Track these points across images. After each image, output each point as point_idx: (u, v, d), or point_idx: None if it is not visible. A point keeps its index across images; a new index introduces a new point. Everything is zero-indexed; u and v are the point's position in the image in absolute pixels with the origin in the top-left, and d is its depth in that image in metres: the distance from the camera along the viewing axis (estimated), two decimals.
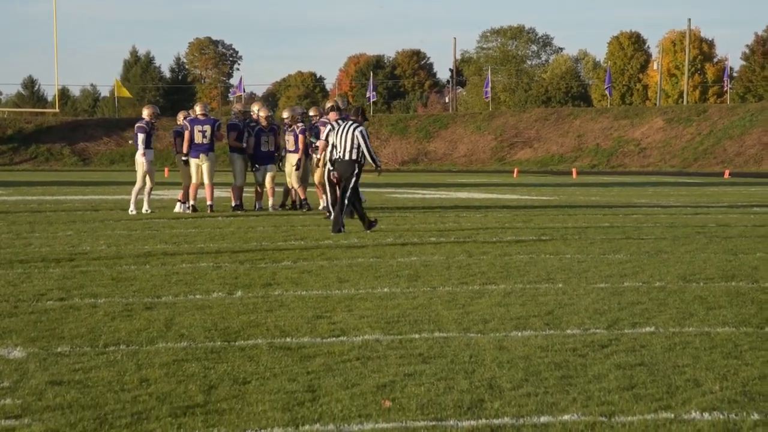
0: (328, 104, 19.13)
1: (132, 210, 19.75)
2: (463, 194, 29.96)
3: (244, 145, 20.68)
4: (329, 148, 16.51)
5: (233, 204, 20.84)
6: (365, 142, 15.87)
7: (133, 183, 20.40)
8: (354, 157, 15.88)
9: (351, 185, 15.80)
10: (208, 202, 20.25)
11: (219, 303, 8.84)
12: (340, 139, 15.96)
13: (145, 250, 13.09)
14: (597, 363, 6.50)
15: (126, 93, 75.32)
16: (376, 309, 8.51)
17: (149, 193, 20.12)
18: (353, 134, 15.86)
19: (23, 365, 6.42)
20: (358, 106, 17.60)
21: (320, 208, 20.56)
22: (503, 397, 5.67)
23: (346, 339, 7.26)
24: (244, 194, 21.24)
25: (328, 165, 16.59)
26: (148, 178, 19.84)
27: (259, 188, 21.12)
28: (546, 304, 8.79)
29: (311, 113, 21.31)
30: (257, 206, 21.11)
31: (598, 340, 7.20)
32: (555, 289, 9.63)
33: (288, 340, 7.22)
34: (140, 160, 19.88)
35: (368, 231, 15.60)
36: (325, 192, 18.76)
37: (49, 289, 9.55)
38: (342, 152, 15.96)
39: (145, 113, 20.28)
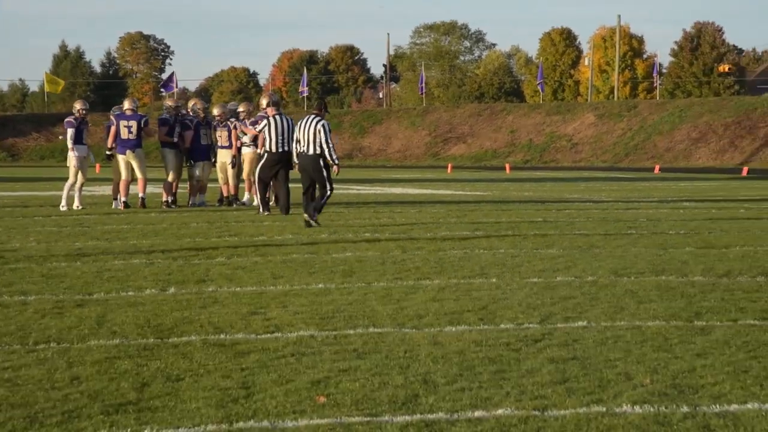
0: (264, 100, 19.21)
1: (63, 206, 19.50)
2: (397, 190, 30.02)
3: (175, 139, 20.51)
4: (294, 143, 16.56)
5: (164, 200, 20.64)
6: (326, 137, 15.96)
7: (65, 179, 20.16)
8: (317, 151, 15.98)
9: (326, 174, 16.01)
10: (140, 195, 20.07)
11: (152, 300, 8.76)
12: (303, 133, 16.08)
13: (77, 246, 12.93)
14: (530, 357, 6.55)
15: (59, 84, 74.20)
16: (311, 305, 8.50)
17: (80, 189, 19.88)
18: (315, 128, 15.96)
19: None
20: (321, 99, 17.77)
21: (250, 202, 20.55)
22: (438, 392, 5.69)
23: (280, 335, 7.24)
24: (178, 190, 21.08)
25: (294, 158, 16.58)
26: (79, 174, 19.60)
27: (195, 183, 20.97)
28: (480, 299, 8.84)
29: (240, 109, 21.18)
30: (191, 202, 20.97)
31: (531, 335, 7.26)
32: (489, 284, 9.69)
33: (222, 336, 7.19)
34: (70, 156, 19.66)
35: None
36: (255, 187, 18.82)
37: None
38: (306, 146, 16.06)
39: (75, 108, 20.03)
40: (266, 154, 18.26)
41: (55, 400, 5.52)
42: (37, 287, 9.44)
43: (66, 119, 20.09)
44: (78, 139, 19.64)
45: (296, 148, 16.32)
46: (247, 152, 20.58)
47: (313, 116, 16.20)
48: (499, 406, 5.42)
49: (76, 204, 19.64)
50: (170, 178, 20.62)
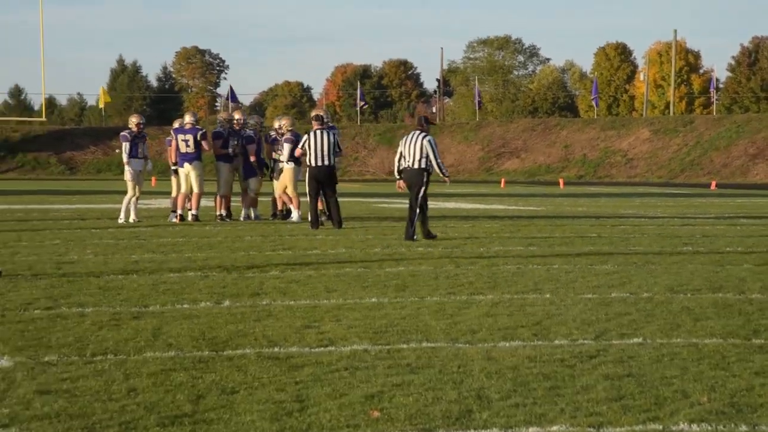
0: (314, 113, 19.61)
1: (121, 219, 19.75)
2: (450, 204, 29.99)
3: (230, 151, 20.59)
4: (396, 157, 16.72)
5: (218, 213, 20.77)
6: (433, 152, 16.18)
7: (121, 192, 20.42)
8: (422, 165, 16.20)
9: (421, 194, 16.17)
10: (193, 212, 20.23)
11: (207, 312, 8.83)
12: (409, 149, 16.28)
13: (133, 259, 13.06)
14: (585, 374, 6.51)
15: (106, 98, 75.27)
16: (364, 319, 8.51)
17: (135, 203, 20.10)
18: (422, 143, 16.16)
19: (10, 374, 6.40)
20: (424, 115, 18.13)
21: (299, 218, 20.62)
22: (491, 408, 5.67)
23: (334, 349, 7.26)
24: (231, 204, 21.20)
25: (395, 173, 16.84)
26: (136, 188, 19.84)
27: (249, 196, 21.07)
28: (534, 314, 8.80)
29: (276, 125, 21.17)
30: (244, 215, 21.07)
31: (586, 351, 7.21)
32: (543, 300, 9.65)
33: (276, 349, 7.22)
34: (126, 169, 19.93)
35: (421, 239, 15.97)
36: (295, 202, 19.04)
37: (36, 298, 9.52)
38: (411, 161, 16.25)
39: (131, 122, 20.28)
40: (307, 169, 18.59)
41: (113, 411, 5.57)
42: (95, 299, 9.55)
43: (121, 133, 20.36)
44: (133, 153, 19.87)
45: (401, 163, 16.53)
46: (285, 168, 20.51)
47: (418, 132, 16.35)
48: (554, 423, 5.39)
49: (132, 217, 19.85)
50: (223, 191, 20.76)
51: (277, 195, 21.02)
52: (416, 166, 16.16)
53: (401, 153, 16.39)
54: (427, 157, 16.11)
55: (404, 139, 16.51)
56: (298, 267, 12.24)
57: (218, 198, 20.95)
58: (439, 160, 16.23)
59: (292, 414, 5.54)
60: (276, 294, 9.96)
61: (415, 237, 15.92)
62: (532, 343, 7.51)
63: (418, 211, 16.12)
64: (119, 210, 20.12)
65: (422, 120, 16.72)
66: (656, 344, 7.49)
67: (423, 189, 16.15)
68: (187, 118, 20.54)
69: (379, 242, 15.60)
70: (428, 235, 16.16)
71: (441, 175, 16.52)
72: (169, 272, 11.63)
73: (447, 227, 19.19)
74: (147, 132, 23.38)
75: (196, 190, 20.18)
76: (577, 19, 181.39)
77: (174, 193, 20.61)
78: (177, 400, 5.80)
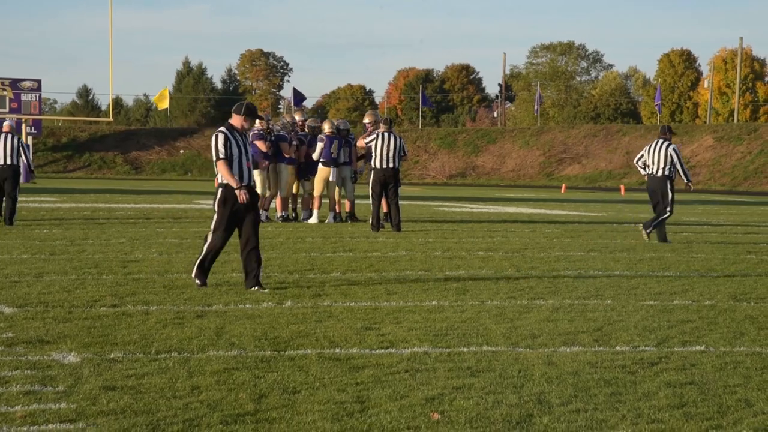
0: (367, 119, 20.54)
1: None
2: (511, 209, 29.90)
3: (292, 155, 20.60)
4: (639, 165, 17.61)
5: (280, 214, 20.85)
6: (679, 160, 17.09)
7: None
8: (666, 173, 17.05)
9: (669, 199, 16.98)
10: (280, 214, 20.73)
11: (269, 313, 8.91)
12: (652, 156, 17.18)
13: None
14: (647, 380, 6.48)
15: (164, 100, 75.93)
16: (425, 322, 8.54)
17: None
18: (666, 151, 17.06)
19: (77, 370, 6.52)
20: (665, 124, 18.72)
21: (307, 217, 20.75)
22: (552, 413, 5.67)
23: (394, 351, 7.30)
24: (290, 205, 21.32)
25: (644, 179, 17.84)
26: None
27: (307, 197, 21.14)
28: (595, 320, 8.77)
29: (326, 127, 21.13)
30: (303, 217, 21.13)
31: (647, 358, 7.17)
32: (604, 306, 9.60)
33: (337, 350, 7.27)
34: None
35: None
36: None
37: (102, 296, 9.68)
38: (654, 169, 17.13)
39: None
40: (372, 171, 18.72)
41: (176, 408, 5.65)
42: (159, 297, 9.68)
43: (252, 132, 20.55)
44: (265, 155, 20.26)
45: (644, 170, 17.37)
46: (320, 169, 20.55)
47: (661, 140, 17.26)
48: (615, 429, 5.38)
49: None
50: (284, 193, 20.86)
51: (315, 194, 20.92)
52: (659, 174, 17.03)
53: (644, 161, 17.31)
54: (672, 164, 16.99)
55: (647, 147, 17.43)
56: (359, 269, 12.30)
57: (279, 199, 21.09)
58: (684, 168, 17.17)
59: (352, 415, 5.59)
60: (337, 295, 10.02)
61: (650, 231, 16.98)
62: (593, 349, 7.48)
63: (668, 214, 16.95)
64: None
65: (666, 129, 17.56)
66: (719, 352, 7.43)
67: (669, 195, 16.93)
68: (257, 123, 20.62)
69: (440, 245, 15.61)
70: (663, 239, 17.02)
71: (685, 182, 17.49)
72: (232, 272, 11.75)
73: (508, 232, 19.15)
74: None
75: (259, 191, 20.43)
76: (641, 25, 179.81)
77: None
78: (239, 398, 5.88)
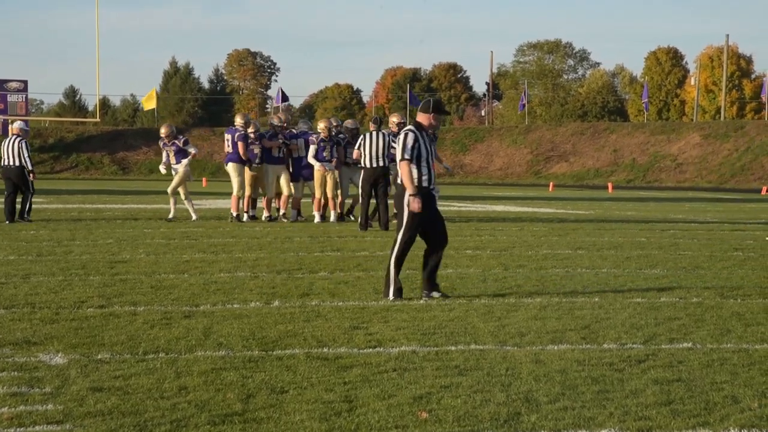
0: (322, 123, 20.41)
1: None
2: (498, 207, 29.93)
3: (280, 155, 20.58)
4: None
5: (266, 215, 20.79)
6: None
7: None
8: None
9: None
10: (265, 214, 20.75)
11: (256, 312, 8.90)
12: None
13: (184, 259, 13.19)
14: (634, 378, 6.50)
15: (152, 101, 75.72)
16: (413, 320, 8.54)
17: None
18: None
19: (65, 371, 6.50)
20: None
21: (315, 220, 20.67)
22: (540, 411, 5.68)
23: (382, 350, 7.30)
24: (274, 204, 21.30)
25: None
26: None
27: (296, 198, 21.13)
28: (582, 318, 8.78)
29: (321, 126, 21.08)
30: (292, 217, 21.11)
31: (635, 355, 7.19)
32: (591, 303, 9.62)
33: (325, 350, 7.27)
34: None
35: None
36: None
37: (90, 297, 9.66)
38: None
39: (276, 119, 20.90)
40: (362, 170, 18.75)
41: (164, 409, 5.65)
42: (147, 298, 9.66)
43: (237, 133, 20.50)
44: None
45: None
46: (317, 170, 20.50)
47: None
48: (603, 427, 5.39)
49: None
50: (269, 193, 20.80)
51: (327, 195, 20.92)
52: None
53: None
54: None
55: None
56: (347, 268, 12.29)
57: (267, 199, 21.08)
58: None
59: (340, 414, 5.59)
60: (325, 295, 10.02)
61: None
62: (580, 347, 7.50)
63: None
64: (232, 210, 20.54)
65: None
66: (706, 349, 7.45)
67: None
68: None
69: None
70: None
71: None
72: (219, 272, 11.74)
73: (495, 230, 19.17)
74: (198, 133, 23.49)
75: (282, 191, 20.71)
76: (628, 23, 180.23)
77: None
78: (227, 398, 5.87)
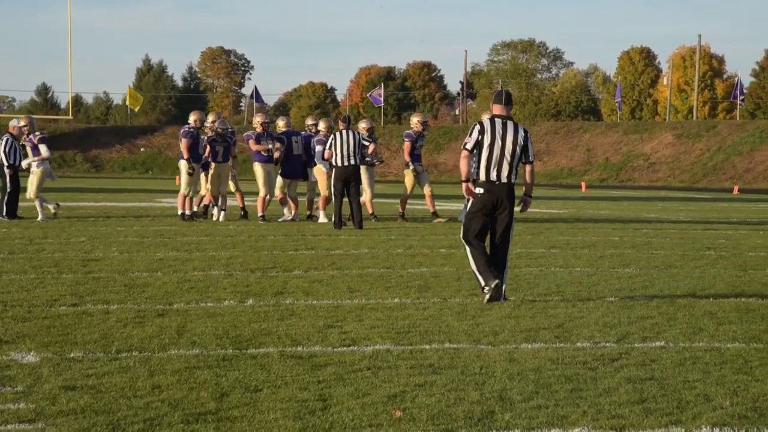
0: (281, 121, 20.81)
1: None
2: None
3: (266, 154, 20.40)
4: None
5: (261, 214, 20.55)
6: None
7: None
8: None
9: None
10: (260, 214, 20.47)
11: (230, 311, 8.88)
12: None
13: (157, 257, 13.14)
14: (607, 376, 6.52)
15: (139, 100, 75.31)
16: (387, 319, 8.55)
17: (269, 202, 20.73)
18: None
19: (37, 370, 6.47)
20: None
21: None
22: (514, 409, 5.70)
23: (357, 349, 7.30)
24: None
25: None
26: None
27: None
28: (556, 316, 8.81)
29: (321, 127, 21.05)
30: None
31: (608, 354, 7.22)
32: (565, 302, 9.65)
33: (299, 348, 7.26)
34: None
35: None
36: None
37: (62, 295, 9.60)
38: None
39: (255, 122, 20.76)
40: (333, 169, 18.63)
41: (137, 408, 5.62)
42: (120, 296, 9.62)
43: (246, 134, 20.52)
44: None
45: None
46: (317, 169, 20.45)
47: None
48: (576, 425, 5.41)
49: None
50: (268, 193, 20.54)
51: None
52: None
53: None
54: None
55: None
56: (321, 267, 12.29)
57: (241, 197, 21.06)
58: None
59: (314, 413, 5.58)
60: (299, 293, 10.01)
61: None
62: (554, 346, 7.52)
63: None
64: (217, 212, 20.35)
65: None
66: (678, 348, 7.50)
67: None
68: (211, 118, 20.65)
69: (402, 243, 15.63)
70: None
71: None
72: (193, 270, 11.71)
73: None
74: (172, 132, 23.40)
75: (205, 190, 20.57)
76: (601, 23, 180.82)
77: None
78: (201, 397, 5.86)
